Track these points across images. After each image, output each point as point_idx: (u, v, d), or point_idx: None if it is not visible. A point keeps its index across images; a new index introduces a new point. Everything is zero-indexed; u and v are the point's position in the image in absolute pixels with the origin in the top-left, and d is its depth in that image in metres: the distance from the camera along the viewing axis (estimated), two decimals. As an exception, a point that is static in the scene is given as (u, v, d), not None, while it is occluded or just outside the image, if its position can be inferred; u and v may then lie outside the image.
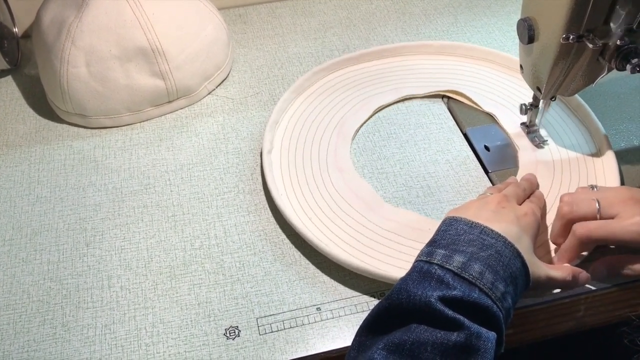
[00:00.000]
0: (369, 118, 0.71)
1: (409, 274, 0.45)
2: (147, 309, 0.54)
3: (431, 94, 0.73)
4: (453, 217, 0.49)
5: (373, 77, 0.76)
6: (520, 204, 0.53)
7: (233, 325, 0.53)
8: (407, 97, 0.73)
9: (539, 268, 0.48)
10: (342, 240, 0.58)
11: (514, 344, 0.51)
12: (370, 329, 0.44)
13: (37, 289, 0.56)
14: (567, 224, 0.53)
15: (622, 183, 0.62)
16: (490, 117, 0.71)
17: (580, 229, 0.51)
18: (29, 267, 0.58)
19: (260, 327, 0.52)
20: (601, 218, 0.51)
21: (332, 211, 0.61)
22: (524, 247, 0.47)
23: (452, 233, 0.47)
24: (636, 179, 0.63)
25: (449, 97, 0.73)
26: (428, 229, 0.57)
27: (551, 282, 0.50)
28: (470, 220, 0.48)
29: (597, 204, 0.51)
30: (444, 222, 0.49)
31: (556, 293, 0.54)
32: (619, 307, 0.54)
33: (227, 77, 0.77)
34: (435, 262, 0.45)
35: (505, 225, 0.48)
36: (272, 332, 0.52)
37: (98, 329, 0.53)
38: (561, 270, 0.50)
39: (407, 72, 0.76)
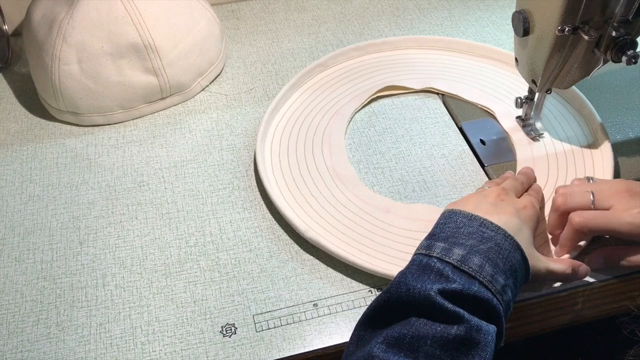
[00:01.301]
0: (350, 119, 0.70)
1: (408, 267, 0.45)
2: (142, 307, 0.54)
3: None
4: (452, 210, 0.49)
5: (364, 71, 0.75)
6: (518, 197, 0.52)
7: (229, 323, 0.52)
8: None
9: (538, 261, 0.48)
10: (342, 233, 0.58)
11: (512, 338, 0.50)
12: (369, 323, 0.44)
13: (31, 289, 0.55)
14: (561, 215, 0.53)
15: (618, 173, 0.62)
16: (486, 111, 0.70)
17: (576, 217, 0.51)
18: (22, 266, 0.57)
19: (256, 324, 0.52)
20: (595, 210, 0.51)
21: (330, 205, 0.60)
22: (524, 239, 0.47)
23: (451, 226, 0.47)
24: (632, 171, 0.63)
25: (443, 93, 0.73)
26: (428, 220, 0.57)
27: (551, 275, 0.49)
28: (469, 213, 0.47)
29: (591, 196, 0.51)
30: (442, 215, 0.49)
31: (554, 286, 0.54)
32: (617, 299, 0.54)
33: (220, 73, 0.77)
34: (434, 255, 0.44)
35: (504, 217, 0.47)
36: (268, 329, 0.52)
37: (93, 328, 0.52)
38: (561, 262, 0.50)
39: (398, 66, 0.76)
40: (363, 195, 0.61)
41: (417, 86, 0.73)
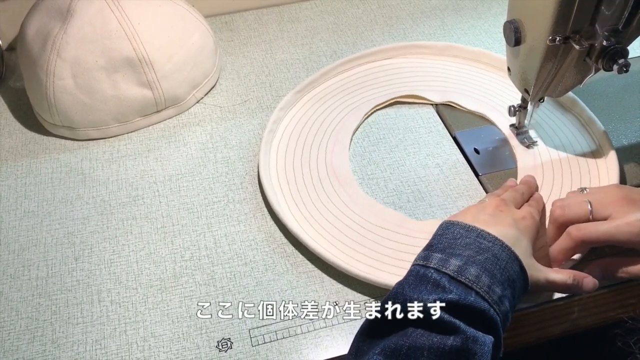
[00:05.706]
0: (363, 120, 0.71)
1: (405, 278, 0.45)
2: (137, 322, 0.53)
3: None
4: (450, 221, 0.49)
5: (364, 82, 0.75)
6: (518, 208, 0.52)
7: (225, 338, 0.52)
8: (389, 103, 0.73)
9: (538, 271, 0.48)
10: (344, 244, 0.58)
11: (508, 348, 0.50)
12: (367, 334, 0.44)
13: (26, 306, 0.55)
14: (560, 227, 0.53)
15: (624, 179, 0.62)
16: (479, 119, 0.70)
17: (575, 231, 0.50)
18: (17, 283, 0.57)
19: (252, 339, 0.52)
20: (594, 219, 0.51)
21: (334, 216, 0.60)
22: (522, 250, 0.47)
23: (448, 237, 0.47)
24: (628, 179, 0.63)
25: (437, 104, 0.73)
26: (422, 231, 0.57)
27: (551, 286, 0.49)
28: (466, 224, 0.48)
29: (589, 206, 0.51)
30: (440, 226, 0.49)
31: (549, 295, 0.54)
32: (612, 308, 0.54)
33: (215, 85, 0.77)
34: (431, 266, 0.44)
35: (502, 228, 0.47)
36: (264, 343, 0.52)
37: (89, 345, 0.52)
38: (562, 273, 0.50)
39: (395, 75, 0.76)
40: (365, 206, 0.61)
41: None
